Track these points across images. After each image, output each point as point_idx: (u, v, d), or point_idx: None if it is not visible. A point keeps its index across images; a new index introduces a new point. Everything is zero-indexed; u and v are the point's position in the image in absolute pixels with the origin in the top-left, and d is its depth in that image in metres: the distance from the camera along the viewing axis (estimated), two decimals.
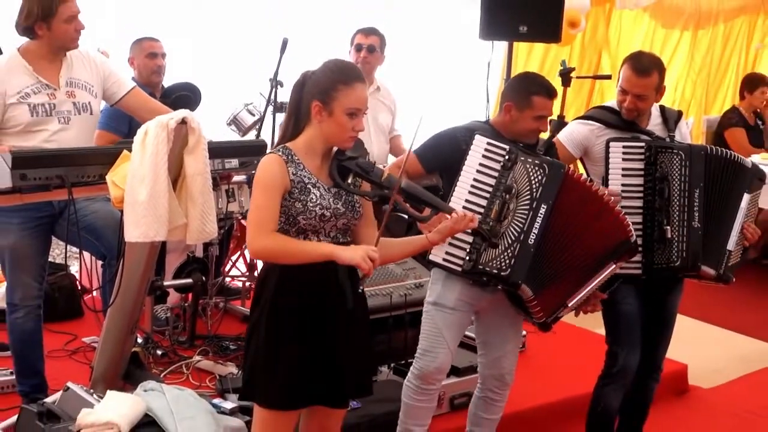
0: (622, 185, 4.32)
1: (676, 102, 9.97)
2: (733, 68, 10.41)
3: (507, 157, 3.96)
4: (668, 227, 4.31)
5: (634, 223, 4.20)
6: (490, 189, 3.94)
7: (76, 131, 4.52)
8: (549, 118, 4.30)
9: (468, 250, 3.92)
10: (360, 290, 3.31)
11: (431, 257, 4.00)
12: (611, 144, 4.34)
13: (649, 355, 4.64)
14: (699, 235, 4.30)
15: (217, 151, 4.21)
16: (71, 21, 4.38)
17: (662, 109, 4.59)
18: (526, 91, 4.19)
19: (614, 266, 4.06)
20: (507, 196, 3.93)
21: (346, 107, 3.27)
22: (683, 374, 5.97)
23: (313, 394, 3.43)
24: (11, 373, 4.78)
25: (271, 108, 6.02)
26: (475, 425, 4.54)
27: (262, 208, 3.27)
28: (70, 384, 4.12)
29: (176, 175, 4.02)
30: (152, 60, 6.14)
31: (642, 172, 4.33)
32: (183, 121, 4.02)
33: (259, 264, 4.06)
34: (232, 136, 5.90)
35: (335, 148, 3.40)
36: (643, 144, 4.34)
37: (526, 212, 3.92)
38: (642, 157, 4.33)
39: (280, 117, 6.19)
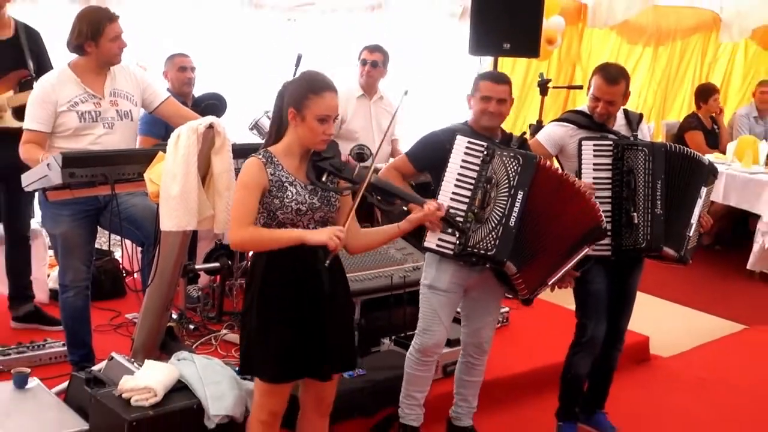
0: (593, 178, 4.32)
1: (638, 108, 9.91)
2: (689, 79, 10.38)
3: (485, 152, 3.96)
4: (635, 214, 4.33)
5: (604, 211, 4.21)
6: (473, 181, 3.93)
7: (118, 135, 4.51)
8: (529, 124, 4.30)
9: (457, 235, 3.92)
10: (327, 264, 3.25)
11: (426, 244, 3.97)
12: (583, 143, 4.34)
13: (614, 327, 4.63)
14: (661, 220, 4.32)
15: (241, 151, 4.17)
16: (116, 40, 4.38)
17: (626, 112, 4.59)
18: (476, 80, 4.26)
19: (587, 249, 4.07)
20: (488, 185, 3.93)
21: (317, 114, 3.28)
22: (645, 345, 5.94)
23: (302, 369, 3.44)
24: (63, 344, 4.76)
25: None
26: (461, 387, 4.54)
27: (240, 204, 3.31)
28: (114, 354, 4.13)
29: (205, 172, 4.01)
30: (183, 73, 6.12)
31: (610, 167, 4.34)
32: (210, 126, 4.03)
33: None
34: (253, 139, 5.87)
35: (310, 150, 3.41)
36: (611, 142, 4.35)
37: (506, 198, 3.92)
38: (610, 153, 4.34)
39: None
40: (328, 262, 3.24)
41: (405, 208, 3.71)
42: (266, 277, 3.36)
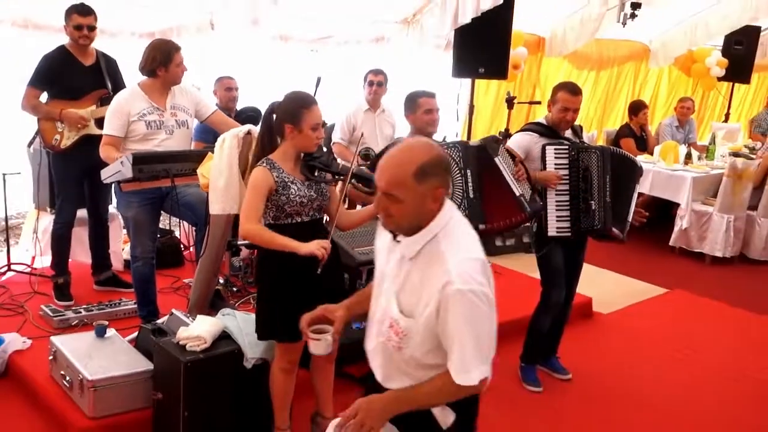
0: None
1: (584, 119, 9.96)
2: (623, 96, 10.39)
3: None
4: (592, 202, 4.38)
5: (563, 201, 4.37)
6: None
7: (177, 140, 4.52)
8: (499, 131, 4.35)
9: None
10: (318, 272, 3.21)
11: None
12: (546, 147, 4.37)
13: (567, 290, 4.65)
14: (610, 207, 4.38)
15: None
16: (180, 65, 4.42)
17: (572, 127, 4.59)
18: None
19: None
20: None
21: (310, 124, 3.32)
22: (589, 304, 5.94)
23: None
24: (134, 303, 4.77)
25: None
26: None
27: (249, 203, 3.34)
28: (173, 310, 4.12)
29: (244, 168, 4.00)
30: (228, 92, 6.14)
31: (567, 166, 4.36)
32: (248, 133, 4.04)
33: None
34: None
35: (302, 153, 3.45)
36: (567, 146, 4.37)
37: (460, 178, 4.05)
38: (567, 155, 4.37)
39: None
40: (319, 270, 3.22)
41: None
42: (275, 269, 3.43)
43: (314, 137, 3.36)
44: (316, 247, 3.19)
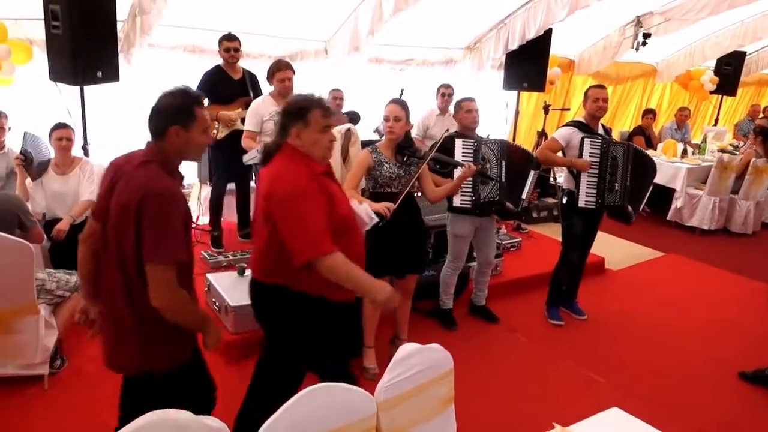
0: (590, 161, 4.18)
1: (604, 121, 9.53)
2: (634, 105, 9.93)
3: (474, 145, 3.92)
4: (616, 183, 4.18)
5: (592, 181, 4.19)
6: (472, 160, 3.87)
7: None
8: (537, 131, 4.19)
9: (471, 195, 3.93)
10: (380, 224, 2.98)
11: (453, 204, 3.98)
12: (585, 139, 4.18)
13: (583, 251, 4.51)
14: (629, 189, 4.22)
15: (365, 144, 4.09)
16: (282, 81, 4.36)
17: (603, 126, 4.39)
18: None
19: (534, 173, 4.21)
20: (484, 160, 3.90)
21: (384, 115, 3.36)
22: (602, 263, 5.68)
23: (389, 271, 3.43)
24: None
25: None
26: (477, 284, 4.49)
27: (352, 174, 3.35)
28: None
29: (344, 156, 3.95)
30: (336, 101, 6.05)
31: (599, 155, 4.17)
32: (349, 130, 3.97)
33: None
34: (374, 137, 5.79)
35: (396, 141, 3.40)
36: (600, 139, 4.19)
37: (497, 166, 3.92)
38: (599, 146, 4.17)
39: None
40: (381, 223, 3.01)
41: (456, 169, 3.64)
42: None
43: (386, 126, 3.35)
44: (382, 206, 3.10)
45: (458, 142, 3.91)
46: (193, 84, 4.96)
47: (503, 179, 3.92)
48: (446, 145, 3.88)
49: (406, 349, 2.06)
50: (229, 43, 4.86)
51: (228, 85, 4.96)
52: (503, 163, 3.92)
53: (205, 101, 4.95)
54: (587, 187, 4.19)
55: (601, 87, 4.29)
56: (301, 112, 2.41)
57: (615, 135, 8.71)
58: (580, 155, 4.17)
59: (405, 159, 3.38)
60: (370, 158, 3.32)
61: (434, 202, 3.73)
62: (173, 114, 2.10)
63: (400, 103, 3.36)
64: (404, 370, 2.01)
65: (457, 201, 3.92)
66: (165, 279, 2.00)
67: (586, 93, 4.28)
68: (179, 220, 2.05)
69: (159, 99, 2.15)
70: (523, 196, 4.12)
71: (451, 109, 6.43)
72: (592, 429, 2.01)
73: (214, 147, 5.11)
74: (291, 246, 2.26)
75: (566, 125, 4.40)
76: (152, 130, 2.14)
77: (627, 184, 4.20)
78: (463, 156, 3.88)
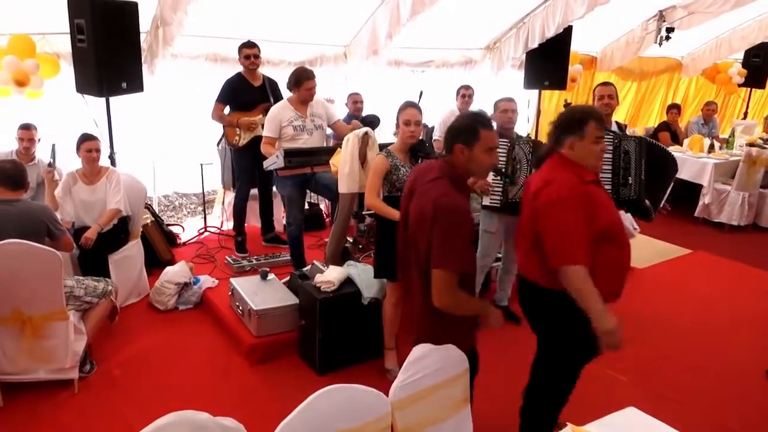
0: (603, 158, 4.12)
1: (628, 119, 9.44)
2: (658, 101, 9.78)
3: (509, 144, 3.89)
4: (630, 177, 4.10)
5: (606, 178, 4.08)
6: (505, 160, 3.86)
7: (315, 139, 4.50)
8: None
9: (500, 195, 3.90)
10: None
11: (483, 203, 3.99)
12: None
13: None
14: (644, 184, 4.09)
15: (382, 147, 4.10)
16: (310, 90, 4.37)
17: (617, 123, 4.36)
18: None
19: None
20: (515, 160, 3.88)
21: (403, 119, 3.35)
22: None
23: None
24: (288, 256, 4.83)
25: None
26: (501, 282, 4.50)
27: (371, 182, 3.37)
28: (314, 261, 4.16)
29: (362, 160, 3.96)
30: (356, 104, 6.10)
31: (611, 150, 4.06)
32: (366, 133, 3.98)
33: None
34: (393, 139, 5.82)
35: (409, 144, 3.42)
36: (612, 135, 4.09)
37: (527, 166, 3.87)
38: (612, 142, 4.07)
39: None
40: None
41: None
42: (385, 224, 3.36)
43: (407, 130, 3.34)
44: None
45: None
46: (215, 90, 5.06)
47: (642, 176, 3.87)
48: None
49: (420, 350, 2.08)
50: (249, 50, 4.94)
51: (249, 91, 5.03)
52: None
53: (227, 109, 5.07)
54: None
55: (607, 84, 4.27)
56: (578, 125, 2.53)
57: (640, 131, 8.62)
58: None
59: (419, 161, 3.40)
60: (387, 163, 3.34)
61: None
62: (459, 133, 2.33)
63: (417, 106, 3.39)
64: (418, 370, 2.04)
65: (486, 200, 3.99)
66: (447, 284, 2.23)
67: (593, 93, 4.29)
68: (467, 233, 2.27)
69: (455, 119, 2.43)
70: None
71: (471, 109, 6.51)
72: (605, 428, 2.01)
73: (236, 153, 5.20)
74: (546, 249, 2.41)
75: None
76: (444, 147, 2.39)
77: (642, 178, 4.13)
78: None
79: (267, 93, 5.09)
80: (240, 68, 5.09)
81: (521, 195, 3.85)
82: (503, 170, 3.74)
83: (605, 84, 4.28)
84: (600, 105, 4.17)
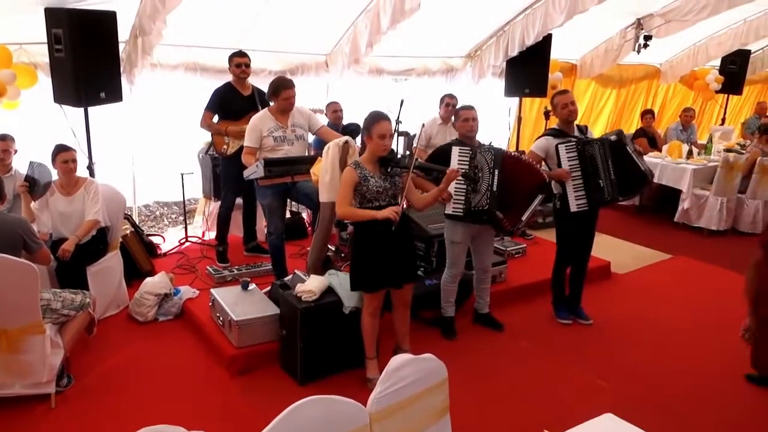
0: (569, 165, 4.16)
1: (609, 125, 9.53)
2: (638, 108, 9.87)
3: (470, 153, 3.90)
4: (600, 181, 4.17)
5: (577, 184, 4.18)
6: (467, 167, 3.86)
7: (297, 148, 4.47)
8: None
9: (462, 203, 3.89)
10: (393, 228, 3.24)
11: (445, 211, 3.96)
12: (558, 146, 4.18)
13: (583, 254, 4.53)
14: (615, 182, 4.18)
15: None
16: (287, 99, 4.33)
17: (578, 126, 4.37)
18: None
19: (541, 197, 3.97)
20: (477, 168, 3.87)
21: (378, 134, 3.28)
22: (608, 266, 5.65)
23: (385, 283, 3.48)
24: (270, 265, 4.81)
25: (396, 134, 5.94)
26: (478, 291, 4.48)
27: (342, 193, 3.34)
28: (296, 270, 4.15)
29: (343, 168, 3.94)
30: (336, 113, 6.10)
31: (577, 157, 4.17)
32: (347, 142, 3.97)
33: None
34: None
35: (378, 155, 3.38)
36: (575, 141, 4.18)
37: (489, 175, 3.86)
38: (576, 148, 4.17)
39: (400, 139, 6.16)
40: (393, 227, 3.24)
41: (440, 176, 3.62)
42: (363, 235, 3.40)
43: (381, 144, 3.30)
44: (389, 212, 3.23)
45: (455, 150, 3.92)
46: (195, 100, 5.04)
47: (494, 188, 3.89)
48: (445, 152, 3.91)
49: (399, 360, 2.07)
50: (240, 59, 4.94)
51: (238, 101, 5.00)
52: (496, 173, 3.87)
53: (216, 117, 5.04)
54: (575, 191, 4.19)
55: (565, 92, 4.31)
56: None
57: None
58: (559, 162, 4.17)
59: (389, 170, 3.39)
60: (356, 174, 3.32)
61: (420, 210, 3.77)
62: None
63: (389, 118, 3.39)
64: (396, 380, 2.03)
65: (449, 209, 3.93)
66: None
67: (552, 101, 4.32)
68: None
69: None
70: (523, 218, 3.99)
71: (452, 119, 6.52)
72: None
73: (225, 162, 5.16)
74: None
75: (542, 136, 4.41)
76: None
77: (612, 178, 4.18)
78: (459, 164, 3.89)
79: (256, 103, 5.07)
80: (221, 77, 5.07)
81: (483, 204, 3.87)
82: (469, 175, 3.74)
83: (563, 92, 4.32)
84: (567, 113, 4.22)
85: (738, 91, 9.95)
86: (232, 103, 4.98)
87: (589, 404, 3.53)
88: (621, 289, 5.42)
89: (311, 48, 6.40)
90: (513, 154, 4.10)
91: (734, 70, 9.63)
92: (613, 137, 4.25)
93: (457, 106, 6.16)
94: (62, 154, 4.10)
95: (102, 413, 3.28)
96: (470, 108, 4.15)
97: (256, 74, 6.02)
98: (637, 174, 4.22)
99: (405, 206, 3.48)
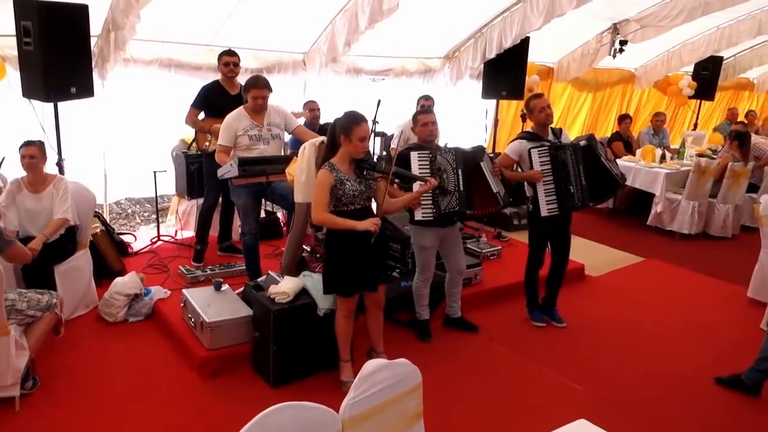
0: (542, 169, 4.18)
1: (585, 129, 9.63)
2: (613, 111, 10.00)
3: (430, 156, 3.88)
4: (571, 187, 4.19)
5: (549, 189, 4.20)
6: (429, 171, 3.83)
7: (272, 148, 4.43)
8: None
9: (432, 208, 3.87)
10: (372, 241, 3.21)
11: (415, 218, 3.91)
12: (531, 150, 4.20)
13: (559, 256, 4.52)
14: (586, 188, 4.20)
15: None
16: (255, 98, 4.27)
17: (552, 129, 4.36)
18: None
19: (485, 164, 4.03)
20: (440, 170, 3.86)
21: (358, 136, 3.22)
22: (582, 269, 5.70)
23: (359, 286, 3.46)
24: (243, 265, 4.76)
25: (372, 135, 5.92)
26: (450, 295, 4.46)
27: (317, 197, 3.26)
28: (269, 271, 4.10)
29: (319, 168, 3.92)
30: (313, 112, 6.07)
31: (549, 162, 4.19)
32: (323, 142, 3.92)
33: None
34: None
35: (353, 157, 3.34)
36: (548, 146, 4.20)
37: (453, 175, 3.86)
38: (548, 153, 4.18)
39: (377, 140, 6.14)
40: (372, 240, 3.21)
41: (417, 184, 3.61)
42: (338, 241, 3.36)
43: (361, 146, 3.25)
44: (370, 224, 3.19)
45: (413, 155, 3.88)
46: (169, 96, 4.96)
47: (461, 188, 3.87)
48: (404, 158, 3.86)
49: (372, 365, 2.05)
50: (229, 58, 4.88)
51: (225, 99, 4.90)
52: (460, 172, 3.85)
53: (201, 114, 4.96)
54: (546, 196, 4.21)
55: (540, 96, 4.33)
56: None
57: None
58: (531, 166, 4.20)
59: (364, 173, 3.35)
60: (331, 177, 3.25)
61: (389, 214, 3.75)
62: None
63: (367, 119, 3.36)
64: (370, 386, 2.00)
65: (418, 215, 3.88)
66: None
67: (527, 104, 4.33)
68: None
69: None
70: (496, 189, 4.01)
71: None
72: None
73: (207, 159, 5.07)
74: None
75: (516, 139, 4.42)
76: None
77: (582, 184, 4.19)
78: (419, 169, 3.83)
79: (242, 102, 5.01)
80: (204, 74, 5.02)
81: (453, 205, 3.86)
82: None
83: (539, 96, 4.34)
84: (543, 117, 4.23)
85: (710, 96, 10.13)
86: (218, 102, 4.90)
87: (562, 407, 3.55)
88: (595, 291, 5.47)
89: (288, 46, 6.35)
90: (463, 149, 4.10)
91: (707, 76, 9.81)
92: (583, 142, 4.27)
93: (434, 106, 6.25)
94: (23, 149, 4.00)
95: (68, 416, 3.20)
96: (429, 112, 4.14)
97: None
98: (607, 179, 4.26)
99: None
